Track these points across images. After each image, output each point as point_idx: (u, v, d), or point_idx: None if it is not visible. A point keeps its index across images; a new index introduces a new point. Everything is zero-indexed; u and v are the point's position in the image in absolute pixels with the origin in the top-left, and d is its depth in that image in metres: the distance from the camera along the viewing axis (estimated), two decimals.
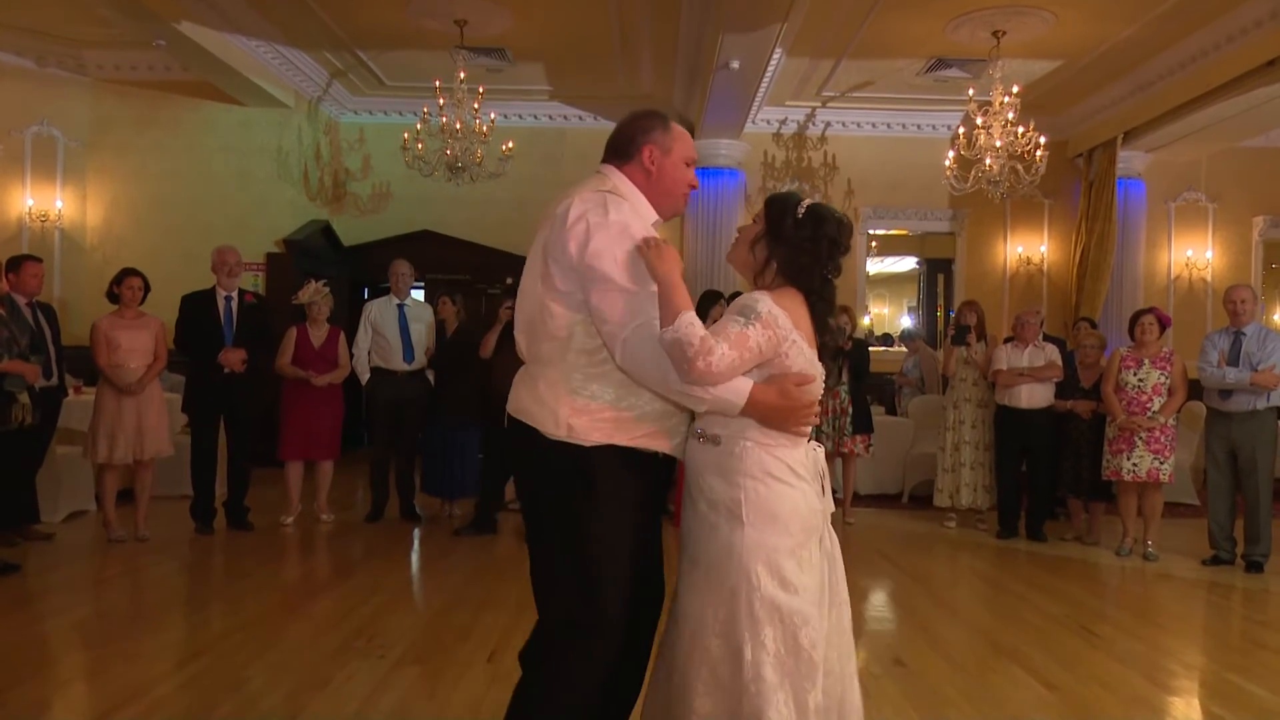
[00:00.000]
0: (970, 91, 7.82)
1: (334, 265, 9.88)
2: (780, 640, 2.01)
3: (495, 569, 5.42)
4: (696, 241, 9.97)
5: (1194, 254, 10.33)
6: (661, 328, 1.98)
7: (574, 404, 2.09)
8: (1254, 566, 5.68)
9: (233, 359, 5.95)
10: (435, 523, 6.67)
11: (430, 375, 6.85)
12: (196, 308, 6.09)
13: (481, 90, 8.01)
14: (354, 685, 3.44)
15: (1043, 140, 7.71)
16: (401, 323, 6.67)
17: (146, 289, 5.92)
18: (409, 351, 6.63)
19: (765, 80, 8.42)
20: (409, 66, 9.05)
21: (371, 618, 4.31)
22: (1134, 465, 5.90)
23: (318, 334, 6.43)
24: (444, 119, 7.78)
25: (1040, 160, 7.71)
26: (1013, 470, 6.60)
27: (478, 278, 10.19)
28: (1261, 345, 5.74)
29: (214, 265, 6.17)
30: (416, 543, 6.15)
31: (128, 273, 5.90)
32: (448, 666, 3.66)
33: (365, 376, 6.69)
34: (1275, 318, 12.04)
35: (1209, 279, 10.31)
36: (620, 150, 2.27)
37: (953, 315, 8.28)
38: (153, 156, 9.50)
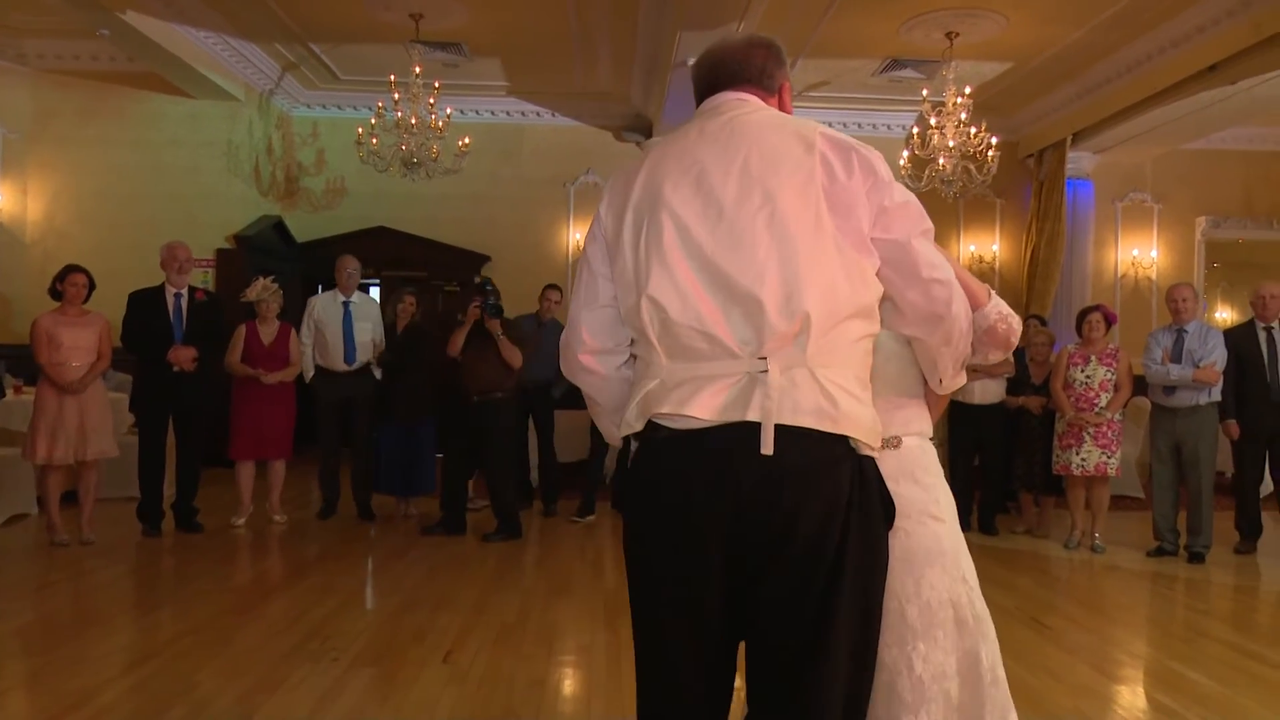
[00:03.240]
0: (924, 92, 7.93)
1: (287, 261, 9.72)
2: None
3: (452, 568, 5.37)
4: None
5: (1140, 253, 10.59)
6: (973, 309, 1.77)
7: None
8: (1196, 558, 5.84)
9: (182, 357, 5.82)
10: (391, 521, 6.60)
11: (377, 372, 6.75)
12: (145, 305, 5.95)
13: (437, 85, 7.92)
14: (307, 688, 3.39)
15: (994, 140, 7.85)
16: (346, 321, 6.57)
17: (91, 286, 5.76)
18: (351, 352, 6.54)
19: None
20: (364, 60, 8.93)
21: (325, 619, 4.25)
22: (1082, 460, 6.03)
23: (267, 331, 6.32)
24: (399, 114, 7.68)
25: (992, 160, 7.84)
26: (966, 465, 6.71)
27: (434, 274, 10.11)
28: (1203, 342, 5.90)
29: (163, 261, 6.03)
30: (373, 542, 6.08)
31: (71, 269, 5.74)
32: (402, 668, 3.62)
33: (309, 373, 6.60)
34: (1217, 315, 12.39)
35: (1154, 277, 10.57)
36: (757, 79, 1.75)
37: None
38: (97, 149, 9.25)
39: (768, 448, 1.47)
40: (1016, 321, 1.89)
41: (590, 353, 1.72)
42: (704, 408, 1.51)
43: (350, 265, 6.76)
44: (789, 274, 1.51)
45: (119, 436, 6.13)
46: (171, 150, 9.20)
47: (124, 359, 6.47)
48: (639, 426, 1.60)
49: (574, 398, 8.53)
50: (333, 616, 4.30)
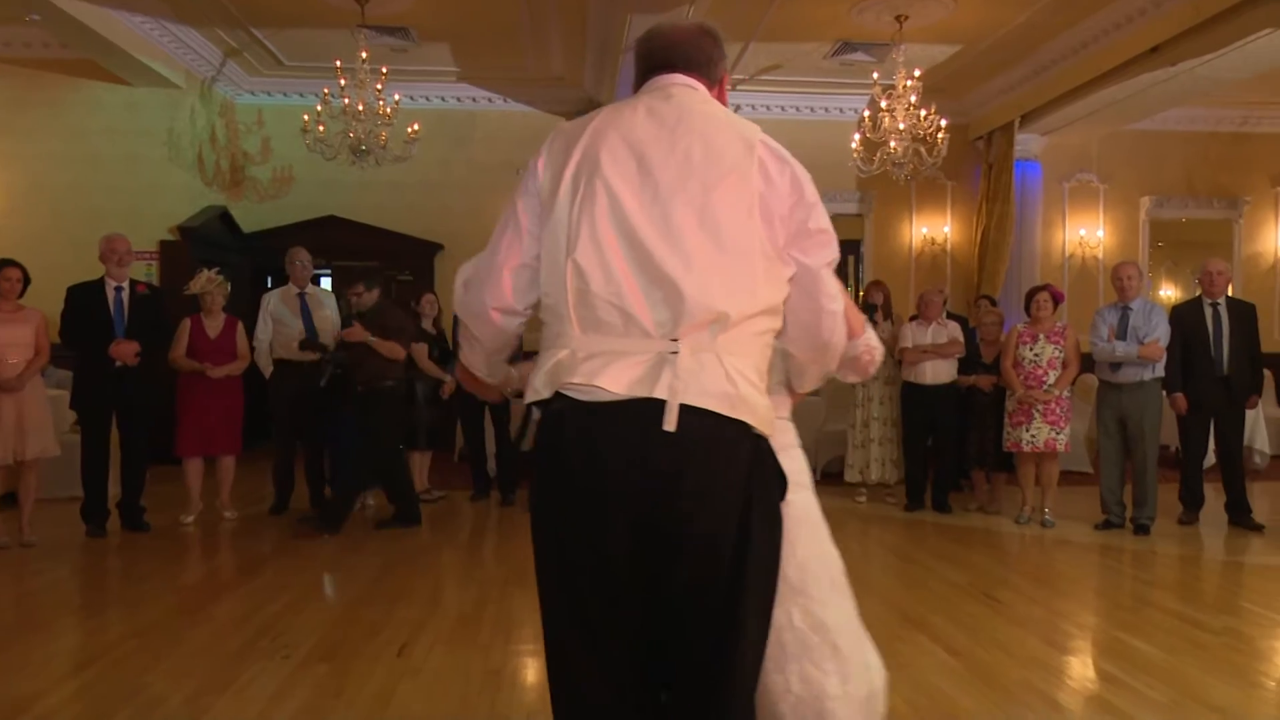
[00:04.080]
0: (875, 75, 7.97)
1: (234, 253, 9.52)
2: None
3: (408, 561, 5.31)
4: None
5: (1086, 232, 10.78)
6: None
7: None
8: (1141, 529, 5.98)
9: (124, 352, 5.67)
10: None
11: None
12: (84, 299, 5.78)
13: (385, 71, 7.78)
14: (258, 686, 3.33)
15: (944, 123, 7.92)
16: (304, 312, 6.47)
17: (26, 281, 5.58)
18: (314, 339, 6.44)
19: None
20: (308, 46, 8.75)
21: (277, 616, 4.17)
22: (1032, 436, 6.13)
23: (213, 324, 6.19)
24: (346, 100, 7.53)
25: (942, 143, 7.91)
26: (919, 445, 6.79)
27: (386, 264, 9.94)
28: (1147, 319, 6.03)
29: (102, 254, 5.85)
30: (327, 537, 5.98)
31: (5, 263, 5.55)
32: (356, 663, 3.57)
33: (269, 369, 6.48)
34: (1162, 293, 12.66)
35: (1100, 256, 10.77)
36: (705, 67, 1.79)
37: (861, 295, 8.45)
38: (31, 139, 8.94)
39: (671, 424, 1.51)
40: (879, 352, 2.20)
41: (502, 310, 1.73)
42: (614, 381, 1.54)
43: (301, 257, 6.65)
44: (713, 267, 1.56)
45: (60, 435, 5.96)
46: (109, 140, 8.93)
47: (63, 355, 6.29)
48: (546, 394, 1.61)
49: None
50: (285, 613, 4.23)
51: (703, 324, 1.55)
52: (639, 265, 1.57)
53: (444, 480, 7.64)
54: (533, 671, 3.56)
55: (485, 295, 1.73)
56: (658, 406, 1.51)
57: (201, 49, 8.74)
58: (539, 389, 1.62)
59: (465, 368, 1.95)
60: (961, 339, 6.66)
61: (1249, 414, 6.57)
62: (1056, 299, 6.33)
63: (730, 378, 1.56)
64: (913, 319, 6.92)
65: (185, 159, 9.08)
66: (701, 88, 1.76)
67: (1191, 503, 6.32)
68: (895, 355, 6.76)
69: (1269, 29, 6.82)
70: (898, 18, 7.78)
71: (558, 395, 1.59)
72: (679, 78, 1.76)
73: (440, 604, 4.41)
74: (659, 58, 1.78)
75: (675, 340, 1.55)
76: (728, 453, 1.57)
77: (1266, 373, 7.03)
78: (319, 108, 7.68)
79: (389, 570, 5.09)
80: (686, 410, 1.52)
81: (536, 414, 1.66)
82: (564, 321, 1.61)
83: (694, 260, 1.56)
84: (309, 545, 5.71)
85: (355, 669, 3.51)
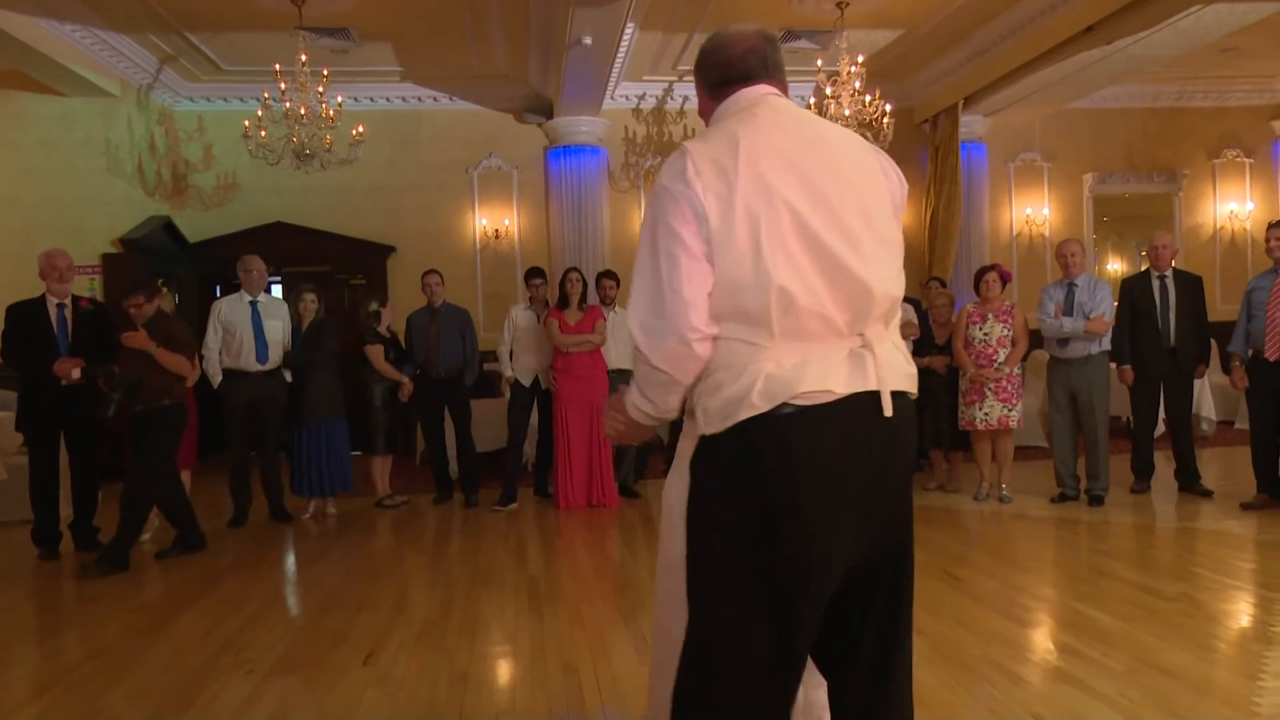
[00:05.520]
0: (819, 62, 8.01)
1: (180, 263, 9.35)
2: None
3: (370, 568, 5.27)
4: (562, 222, 9.90)
5: (1033, 211, 10.97)
6: None
7: None
8: (1095, 500, 6.12)
9: (67, 369, 5.53)
10: (305, 524, 6.44)
11: (287, 374, 6.57)
12: (24, 317, 5.64)
13: (326, 73, 7.65)
14: (221, 702, 3.28)
15: (889, 108, 8.00)
16: (255, 321, 6.37)
17: None
18: (263, 352, 6.35)
19: (620, 55, 8.40)
20: (246, 49, 8.58)
21: (239, 630, 4.11)
22: (985, 414, 6.23)
23: None
24: (287, 104, 7.40)
25: (888, 128, 7.99)
26: None
27: (337, 268, 9.85)
28: (1092, 295, 6.15)
29: (42, 271, 5.70)
30: (288, 547, 5.92)
31: None
32: (321, 674, 3.53)
33: (217, 379, 6.38)
34: (1108, 267, 12.93)
35: (1047, 234, 10.97)
36: (780, 72, 1.93)
37: None
38: None
39: (889, 410, 1.71)
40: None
41: (703, 340, 1.73)
42: (838, 382, 1.69)
43: (255, 265, 6.55)
44: (881, 261, 1.75)
45: (8, 457, 5.81)
46: (44, 152, 8.69)
47: (8, 376, 6.12)
48: (766, 408, 1.67)
49: (486, 386, 8.42)
50: (247, 627, 4.17)
51: (881, 315, 1.77)
52: (829, 272, 1.70)
53: (405, 485, 7.58)
54: (501, 673, 3.55)
55: (687, 332, 1.71)
56: (874, 396, 1.70)
57: (136, 56, 8.53)
58: (756, 402, 1.67)
59: (629, 420, 1.90)
60: (915, 321, 6.75)
61: (1196, 383, 6.74)
62: (1004, 279, 6.43)
63: (907, 359, 1.83)
64: None
65: (125, 169, 8.88)
66: (785, 95, 1.91)
67: (1143, 472, 6.48)
68: None
69: (1198, 5, 6.97)
70: (839, 4, 7.83)
71: (780, 406, 1.67)
72: (764, 88, 1.88)
73: (405, 610, 4.37)
74: (739, 68, 1.89)
75: (861, 335, 1.74)
76: (915, 428, 1.87)
77: (1212, 341, 7.21)
78: (260, 113, 7.54)
79: (351, 578, 5.04)
80: (895, 395, 1.73)
81: (715, 428, 1.73)
82: (761, 336, 1.69)
83: (870, 259, 1.73)
84: (269, 557, 5.64)
85: (321, 680, 3.48)
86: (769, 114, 1.83)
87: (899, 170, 1.89)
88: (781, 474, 1.66)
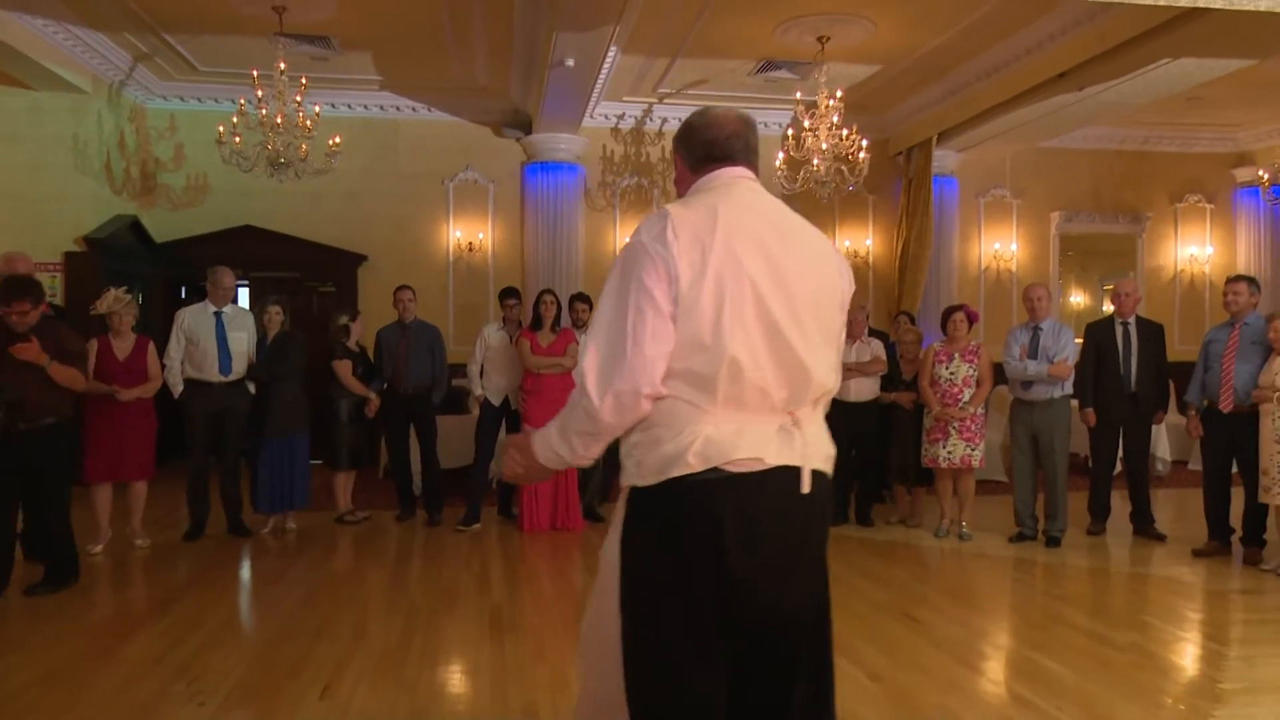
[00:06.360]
0: (798, 94, 8.09)
1: (146, 264, 9.20)
2: None
3: (330, 590, 5.21)
4: (537, 237, 9.88)
5: (1001, 246, 11.15)
6: None
7: None
8: (1053, 541, 6.22)
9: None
10: (265, 540, 6.35)
11: (251, 386, 6.49)
12: None
13: (304, 81, 7.58)
14: None
15: (865, 143, 8.09)
16: (219, 331, 6.28)
17: None
18: (226, 363, 6.26)
19: (601, 77, 8.42)
20: (224, 52, 8.48)
21: (193, 656, 4.04)
22: (949, 453, 6.32)
23: (122, 345, 5.94)
24: (263, 111, 7.31)
25: (863, 163, 8.08)
26: (843, 459, 6.89)
27: (307, 275, 9.75)
28: (1056, 339, 6.27)
29: None
30: (246, 564, 5.83)
31: None
32: (278, 706, 3.49)
33: (178, 389, 6.28)
34: (1071, 299, 13.17)
35: (1014, 269, 11.16)
36: (755, 157, 2.07)
37: None
38: None
39: (807, 487, 1.85)
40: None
41: (651, 398, 1.82)
42: (769, 453, 1.82)
43: (226, 279, 6.44)
44: (822, 351, 1.91)
45: None
46: (10, 147, 8.49)
47: None
48: (700, 468, 1.79)
49: (453, 402, 8.33)
50: (202, 652, 4.10)
51: (815, 399, 1.92)
52: (778, 352, 1.83)
53: (368, 499, 7.51)
54: (461, 709, 3.52)
55: (640, 386, 1.79)
56: (796, 472, 1.84)
57: (109, 53, 8.39)
58: (692, 463, 1.78)
59: (532, 463, 1.99)
60: (884, 357, 6.82)
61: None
62: (971, 319, 6.53)
63: (830, 441, 1.97)
64: None
65: (92, 166, 8.71)
66: (757, 179, 2.04)
67: (1099, 513, 6.60)
68: None
69: (1167, 59, 7.15)
70: (820, 39, 7.92)
71: (713, 469, 1.79)
72: (742, 170, 2.01)
73: (364, 637, 4.32)
74: (723, 149, 2.01)
75: (791, 413, 1.87)
76: (831, 503, 2.01)
77: (1170, 384, 7.36)
78: (235, 119, 7.44)
79: (310, 601, 4.98)
80: (814, 473, 1.87)
81: (641, 484, 1.86)
82: (705, 399, 1.81)
83: (815, 348, 1.88)
84: (225, 574, 5.55)
85: (276, 713, 3.43)
86: (747, 196, 1.96)
87: (850, 271, 2.05)
88: (709, 537, 1.79)
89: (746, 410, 1.83)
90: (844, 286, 2.00)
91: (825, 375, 1.91)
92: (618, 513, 1.98)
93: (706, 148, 2.01)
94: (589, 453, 1.92)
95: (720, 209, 1.87)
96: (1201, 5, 5.23)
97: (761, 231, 1.88)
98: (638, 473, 1.86)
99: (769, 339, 1.83)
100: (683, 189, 2.07)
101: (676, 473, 1.79)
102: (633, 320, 1.78)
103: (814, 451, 1.89)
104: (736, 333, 1.79)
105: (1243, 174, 11.41)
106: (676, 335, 1.79)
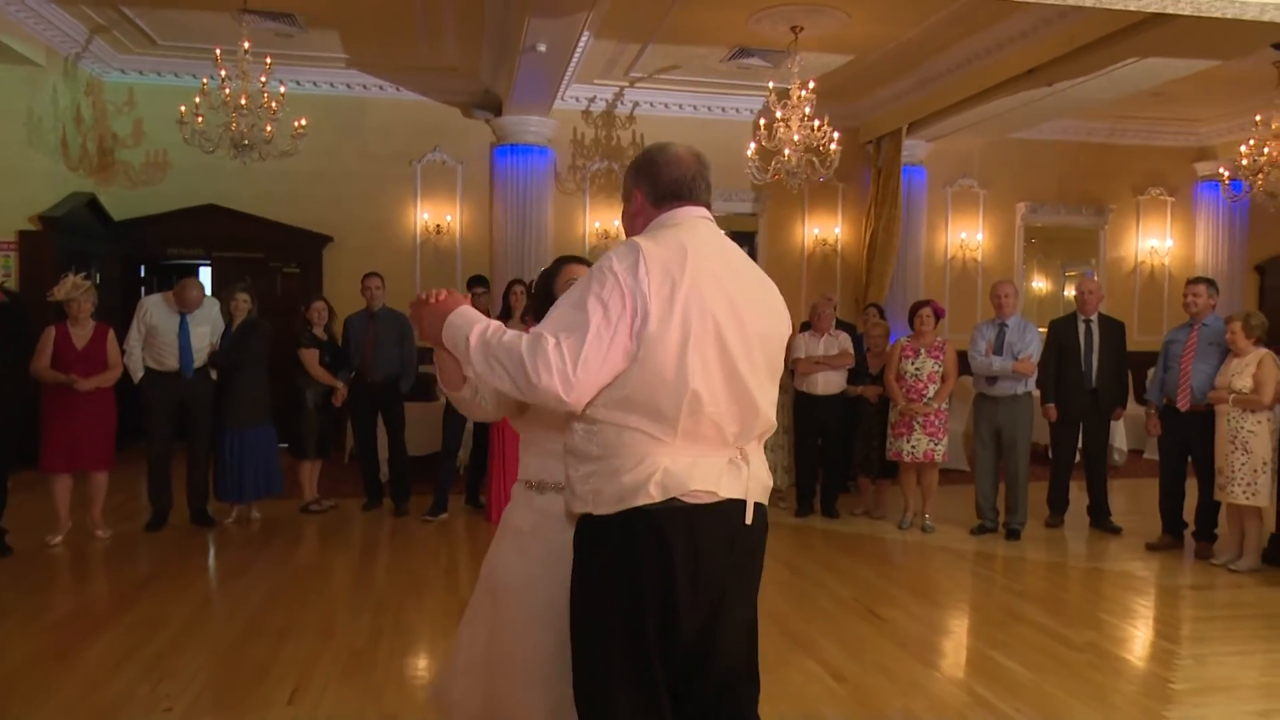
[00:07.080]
0: (770, 84, 8.07)
1: (104, 242, 8.98)
2: None
3: (297, 583, 5.17)
4: (506, 221, 9.80)
5: (967, 236, 11.26)
6: None
7: None
8: (1013, 534, 6.35)
9: None
10: (228, 529, 6.29)
11: (213, 373, 6.38)
12: None
13: (269, 61, 7.40)
14: None
15: (836, 135, 8.09)
16: (182, 330, 6.17)
17: None
18: (188, 363, 6.16)
19: (574, 60, 8.32)
20: (185, 26, 8.27)
21: (158, 657, 4.00)
22: (913, 447, 6.40)
23: (80, 333, 5.81)
24: (227, 91, 7.14)
25: (834, 154, 8.09)
26: (809, 451, 7.00)
27: (271, 256, 9.58)
28: (1021, 336, 6.36)
29: None
30: (210, 557, 5.77)
31: None
32: (245, 712, 3.46)
33: (138, 375, 6.16)
34: (1034, 284, 13.37)
35: (980, 259, 11.28)
36: (708, 195, 2.14)
37: None
38: None
39: (750, 519, 1.96)
40: None
41: (578, 404, 1.85)
42: (721, 486, 1.90)
43: (193, 291, 6.26)
44: (769, 393, 2.01)
45: None
46: None
47: None
48: (660, 498, 1.85)
49: (422, 389, 8.24)
50: (167, 652, 4.06)
51: (759, 434, 2.01)
52: (733, 389, 1.91)
53: (333, 486, 7.45)
54: (430, 713, 3.52)
55: (564, 389, 1.81)
56: (741, 505, 1.94)
57: (64, 25, 8.13)
58: (652, 492, 1.85)
59: (439, 334, 2.01)
60: (852, 350, 6.88)
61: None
62: (938, 314, 6.60)
63: (769, 474, 2.08)
64: (804, 328, 7.09)
65: (47, 142, 8.47)
66: (713, 219, 2.08)
67: (1058, 507, 6.74)
68: (789, 365, 6.93)
69: (1133, 58, 7.23)
70: (793, 28, 7.90)
71: (671, 500, 1.86)
72: (702, 210, 2.07)
73: (332, 636, 4.30)
74: (687, 188, 2.06)
75: (740, 449, 1.96)
76: (767, 533, 2.08)
77: (1129, 377, 7.52)
78: (198, 99, 7.26)
79: (277, 595, 4.94)
80: (755, 505, 1.97)
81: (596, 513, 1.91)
82: (665, 432, 1.87)
83: (763, 386, 1.98)
84: (189, 568, 5.49)
85: (244, 717, 3.41)
86: (709, 235, 2.02)
87: (789, 314, 2.15)
88: (663, 566, 1.86)
89: (700, 443, 1.90)
90: (785, 328, 2.11)
91: (769, 412, 2.01)
92: (527, 537, 2.18)
93: (673, 186, 2.06)
94: (487, 383, 1.95)
95: (690, 247, 1.92)
96: (1170, 11, 5.28)
97: (720, 271, 1.95)
98: (595, 501, 1.89)
99: (726, 376, 1.91)
100: (642, 222, 2.08)
101: (638, 503, 1.85)
102: (594, 332, 1.81)
103: (755, 485, 1.99)
104: (698, 369, 1.86)
105: (1204, 168, 11.61)
106: (641, 369, 1.84)
